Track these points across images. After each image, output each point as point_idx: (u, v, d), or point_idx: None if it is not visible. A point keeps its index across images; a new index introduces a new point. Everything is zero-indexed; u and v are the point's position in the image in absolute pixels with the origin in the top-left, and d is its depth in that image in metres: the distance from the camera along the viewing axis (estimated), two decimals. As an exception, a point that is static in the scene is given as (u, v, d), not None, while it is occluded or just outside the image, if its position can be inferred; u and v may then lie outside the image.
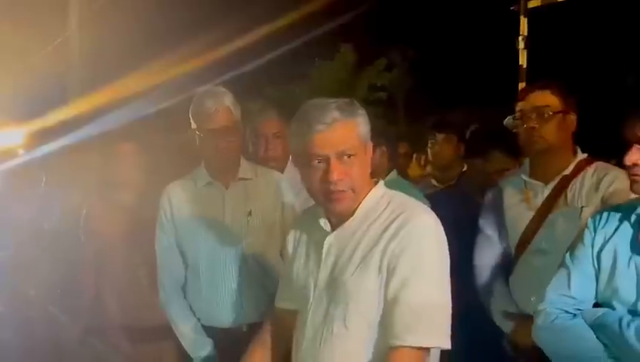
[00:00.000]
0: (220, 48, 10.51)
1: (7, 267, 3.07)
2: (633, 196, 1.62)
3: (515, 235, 2.25)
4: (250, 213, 2.29)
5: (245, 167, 2.35)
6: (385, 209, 1.56)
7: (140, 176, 2.70)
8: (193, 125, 2.26)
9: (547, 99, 2.17)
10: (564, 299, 1.63)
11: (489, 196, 2.41)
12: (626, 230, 1.57)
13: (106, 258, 2.64)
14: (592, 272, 1.61)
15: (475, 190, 2.84)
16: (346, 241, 1.57)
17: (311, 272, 1.62)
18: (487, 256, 2.35)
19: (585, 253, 1.62)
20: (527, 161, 2.34)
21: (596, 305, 1.61)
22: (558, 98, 2.17)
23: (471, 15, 16.16)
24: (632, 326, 1.48)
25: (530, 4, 11.95)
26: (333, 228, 1.60)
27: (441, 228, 1.53)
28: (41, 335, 3.01)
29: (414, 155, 4.83)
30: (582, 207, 2.09)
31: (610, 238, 1.59)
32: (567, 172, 2.18)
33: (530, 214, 2.21)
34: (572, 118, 2.20)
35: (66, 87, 9.59)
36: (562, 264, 1.67)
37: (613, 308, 1.55)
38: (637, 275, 1.52)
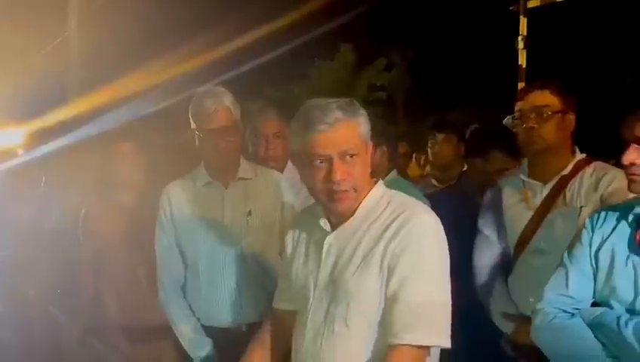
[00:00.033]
0: (220, 48, 10.50)
1: (6, 267, 3.06)
2: (631, 195, 1.63)
3: (513, 235, 2.25)
4: (249, 213, 2.29)
5: (245, 167, 2.35)
6: (385, 208, 1.56)
7: (140, 175, 2.70)
8: (193, 125, 2.26)
9: (546, 98, 2.18)
10: (562, 299, 1.63)
11: (488, 196, 2.41)
12: (624, 229, 1.57)
13: (105, 258, 2.64)
14: (590, 271, 1.61)
15: (475, 190, 2.84)
16: (346, 241, 1.57)
17: (310, 272, 1.62)
18: (486, 256, 2.35)
19: (583, 253, 1.63)
20: (525, 161, 2.34)
21: (594, 304, 1.62)
22: (557, 98, 2.18)
23: (470, 15, 16.18)
24: (630, 325, 1.49)
25: (530, 4, 11.97)
26: (333, 227, 1.60)
27: (442, 228, 1.53)
28: (40, 335, 3.01)
29: (413, 155, 4.84)
30: (581, 207, 2.09)
31: (607, 238, 1.59)
32: (565, 172, 2.19)
33: (529, 214, 2.21)
34: (571, 117, 2.20)
35: (65, 87, 9.60)
36: (560, 263, 1.67)
37: (611, 307, 1.55)
38: (634, 274, 1.52)
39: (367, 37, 17.48)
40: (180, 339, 2.29)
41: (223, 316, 2.26)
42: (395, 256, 1.48)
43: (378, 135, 2.07)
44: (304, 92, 15.73)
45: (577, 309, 1.62)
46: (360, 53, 17.92)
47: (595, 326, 1.56)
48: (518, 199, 2.27)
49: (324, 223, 1.61)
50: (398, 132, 11.58)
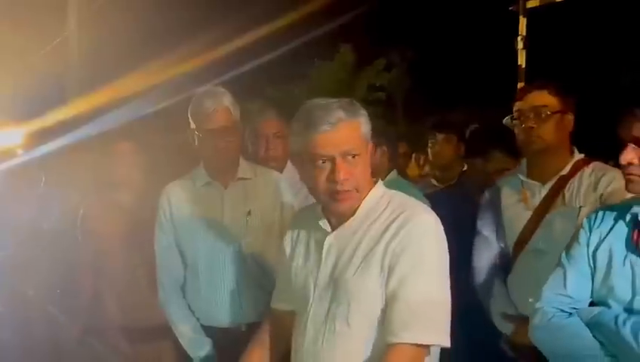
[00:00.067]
0: (219, 48, 10.50)
1: (6, 267, 3.06)
2: (629, 195, 1.63)
3: (512, 235, 2.26)
4: (249, 213, 2.29)
5: (244, 167, 2.35)
6: (385, 208, 1.57)
7: (139, 175, 2.70)
8: (192, 125, 2.26)
9: (545, 99, 2.18)
10: (560, 298, 1.63)
11: (486, 196, 2.41)
12: (621, 229, 1.58)
13: (104, 258, 2.64)
14: (588, 271, 1.61)
15: (475, 190, 2.84)
16: (346, 241, 1.57)
17: (310, 272, 1.62)
18: (485, 257, 2.35)
19: (580, 252, 1.63)
20: (524, 161, 2.34)
21: (592, 303, 1.62)
22: (556, 98, 2.18)
23: (470, 15, 16.18)
24: (628, 324, 1.49)
25: (529, 5, 11.96)
26: (333, 228, 1.60)
27: (441, 228, 1.54)
28: (40, 335, 3.01)
29: (413, 155, 4.84)
30: (580, 207, 2.10)
31: (605, 237, 1.60)
32: (564, 172, 2.19)
33: (528, 214, 2.21)
34: (570, 118, 2.21)
35: (64, 87, 9.60)
36: (558, 263, 1.68)
37: (609, 307, 1.55)
38: (632, 274, 1.52)
39: (367, 37, 17.49)
40: (180, 339, 2.29)
41: (223, 316, 2.26)
42: (396, 256, 1.48)
43: (378, 135, 2.07)
44: (304, 92, 15.72)
45: (575, 309, 1.62)
46: (360, 53, 17.91)
47: (593, 325, 1.56)
48: (516, 199, 2.27)
49: (323, 223, 1.61)
50: (398, 132, 11.58)
